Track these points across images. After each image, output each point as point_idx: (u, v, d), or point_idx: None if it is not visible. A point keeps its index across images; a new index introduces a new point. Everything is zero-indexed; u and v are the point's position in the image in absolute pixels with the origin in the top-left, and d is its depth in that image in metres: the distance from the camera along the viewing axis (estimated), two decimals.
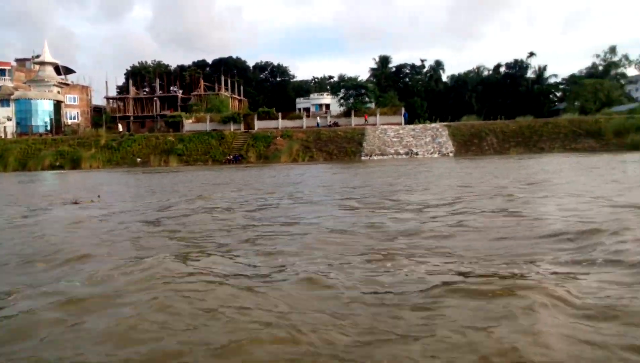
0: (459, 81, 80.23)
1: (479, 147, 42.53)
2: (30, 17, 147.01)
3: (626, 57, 77.75)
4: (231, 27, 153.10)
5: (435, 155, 41.52)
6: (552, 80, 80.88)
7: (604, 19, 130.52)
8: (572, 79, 73.13)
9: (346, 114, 51.19)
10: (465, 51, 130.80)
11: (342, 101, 53.50)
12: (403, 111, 50.13)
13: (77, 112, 65.67)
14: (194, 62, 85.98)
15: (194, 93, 68.05)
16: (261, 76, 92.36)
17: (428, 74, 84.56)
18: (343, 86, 53.94)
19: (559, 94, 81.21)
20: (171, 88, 77.22)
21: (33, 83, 59.90)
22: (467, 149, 42.34)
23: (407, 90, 77.71)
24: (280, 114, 50.15)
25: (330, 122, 49.46)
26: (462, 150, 42.24)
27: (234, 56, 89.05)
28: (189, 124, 50.12)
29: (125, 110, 67.83)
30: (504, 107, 74.04)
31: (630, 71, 77.87)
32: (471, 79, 79.77)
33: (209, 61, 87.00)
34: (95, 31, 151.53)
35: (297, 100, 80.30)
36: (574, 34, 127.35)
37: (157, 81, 71.05)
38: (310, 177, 21.62)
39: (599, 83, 62.71)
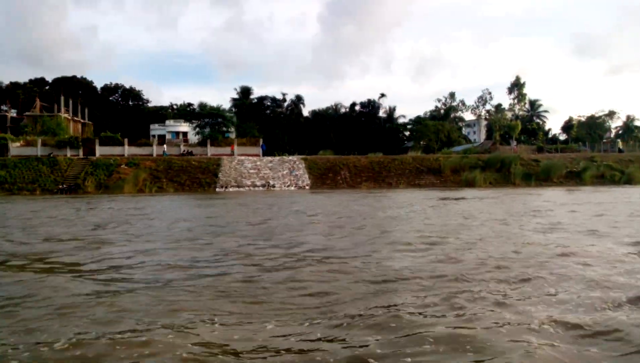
0: (319, 116, 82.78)
1: (333, 181, 43.19)
2: None
3: (463, 102, 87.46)
4: (84, 47, 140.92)
5: (292, 188, 41.12)
6: (401, 120, 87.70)
7: (448, 69, 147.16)
8: (418, 120, 79.77)
9: (202, 143, 48.85)
10: (330, 89, 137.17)
11: (198, 129, 51.15)
12: (261, 142, 49.37)
13: None
14: (30, 80, 76.57)
15: (28, 113, 59.97)
16: (111, 98, 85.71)
17: (289, 108, 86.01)
18: (200, 114, 51.67)
19: (407, 133, 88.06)
20: (2, 107, 67.62)
21: None
22: (322, 183, 42.71)
23: (268, 122, 77.76)
24: (126, 140, 45.99)
25: (183, 150, 46.69)
26: (318, 183, 42.49)
27: (81, 76, 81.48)
28: (16, 148, 43.42)
29: None
30: (359, 143, 77.89)
31: (468, 116, 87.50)
32: (330, 115, 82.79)
33: (49, 79, 78.27)
34: None
35: (152, 126, 75.49)
36: (424, 79, 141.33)
37: None
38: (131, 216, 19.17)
39: (440, 125, 69.08)
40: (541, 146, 55.05)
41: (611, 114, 75.25)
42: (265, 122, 77.06)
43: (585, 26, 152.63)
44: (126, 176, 39.66)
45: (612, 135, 76.63)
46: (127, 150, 45.29)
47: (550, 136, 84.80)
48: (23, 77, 77.47)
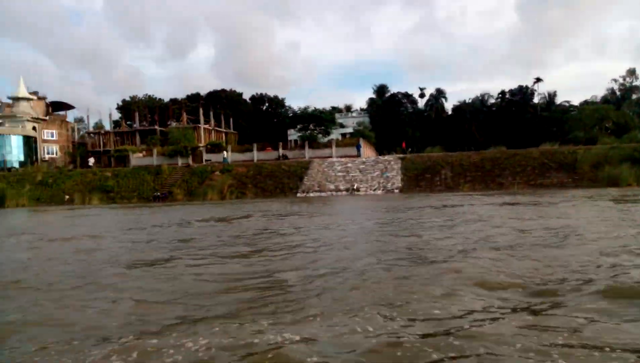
0: (458, 110, 74.61)
1: (430, 182, 37.17)
2: (101, 56, 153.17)
3: None
4: (288, 64, 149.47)
5: (379, 191, 36.51)
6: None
7: None
8: (582, 106, 66.06)
9: (302, 146, 47.19)
10: (527, 82, 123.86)
11: (302, 132, 49.71)
12: (361, 141, 45.55)
13: (56, 148, 65.06)
14: (187, 96, 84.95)
15: (171, 126, 66.08)
16: (261, 107, 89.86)
17: (429, 103, 79.47)
18: (301, 116, 50.19)
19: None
20: (156, 121, 76.25)
21: (6, 119, 59.78)
22: (416, 185, 37.06)
23: (400, 120, 72.87)
24: (229, 147, 46.84)
25: (281, 154, 45.54)
26: (410, 185, 37.00)
27: (230, 88, 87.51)
28: (136, 159, 47.57)
29: (105, 145, 66.67)
30: (508, 136, 67.76)
31: None
32: (472, 108, 73.90)
33: (203, 93, 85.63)
34: (163, 70, 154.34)
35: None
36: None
37: (137, 115, 69.91)
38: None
39: (604, 110, 55.61)
40: None
41: None
42: (396, 120, 72.44)
43: None
44: (215, 183, 39.94)
45: None
46: (231, 156, 45.99)
47: None
48: (246, 95, 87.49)
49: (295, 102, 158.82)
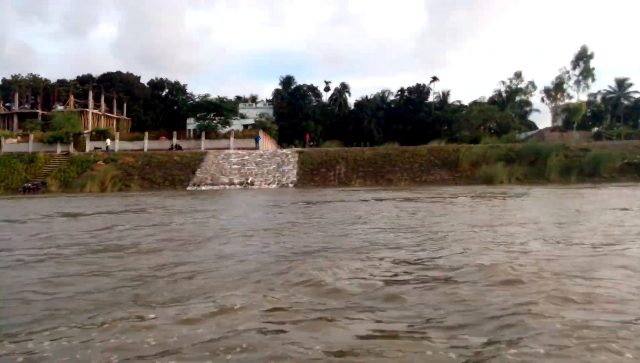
0: (360, 105, 76.29)
1: (324, 177, 37.41)
2: None
3: (532, 84, 75.37)
4: (196, 49, 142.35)
5: (274, 185, 36.01)
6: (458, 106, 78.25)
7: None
8: (471, 106, 70.39)
9: (198, 136, 45.45)
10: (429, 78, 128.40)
11: (200, 122, 47.82)
12: (260, 133, 44.81)
13: None
14: (78, 77, 78.56)
15: (56, 110, 60.68)
16: (161, 93, 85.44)
17: (334, 97, 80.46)
18: (200, 105, 48.29)
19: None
20: (41, 104, 69.59)
21: None
22: (311, 179, 37.10)
23: (303, 113, 73.03)
24: (117, 134, 43.88)
25: (171, 145, 43.46)
26: (305, 180, 36.97)
27: (127, 71, 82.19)
28: (9, 145, 42.95)
29: None
30: (404, 133, 70.58)
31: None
32: (373, 104, 75.90)
33: (96, 75, 79.63)
34: (57, 48, 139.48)
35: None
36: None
37: (17, 96, 63.36)
38: None
39: (489, 110, 59.61)
40: (599, 133, 44.34)
41: None
42: (299, 113, 72.53)
43: None
44: (97, 173, 37.11)
45: None
46: (119, 145, 43.14)
47: None
48: (146, 79, 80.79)
49: (201, 90, 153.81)
